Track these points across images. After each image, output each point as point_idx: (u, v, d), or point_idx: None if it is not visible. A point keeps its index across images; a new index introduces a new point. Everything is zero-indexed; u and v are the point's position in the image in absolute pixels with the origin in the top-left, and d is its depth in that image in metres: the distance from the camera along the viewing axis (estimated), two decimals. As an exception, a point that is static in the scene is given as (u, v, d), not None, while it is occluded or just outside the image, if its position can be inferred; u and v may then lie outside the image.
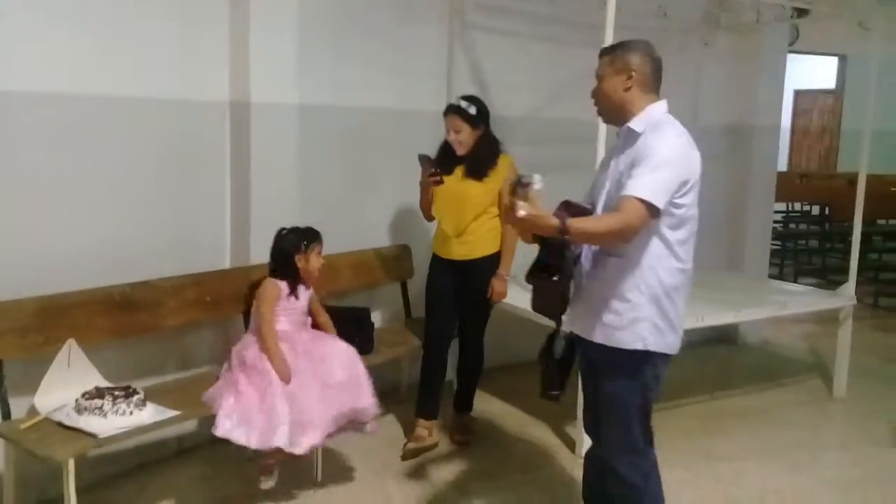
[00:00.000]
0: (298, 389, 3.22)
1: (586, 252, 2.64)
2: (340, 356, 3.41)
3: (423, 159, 3.64)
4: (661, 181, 2.41)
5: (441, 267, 3.95)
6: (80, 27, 3.30)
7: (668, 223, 2.48)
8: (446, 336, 4.02)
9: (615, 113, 2.61)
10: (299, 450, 3.18)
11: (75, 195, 3.34)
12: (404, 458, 3.84)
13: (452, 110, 3.74)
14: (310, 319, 3.60)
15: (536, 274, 2.58)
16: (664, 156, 2.44)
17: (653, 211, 2.39)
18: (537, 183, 2.35)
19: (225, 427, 3.14)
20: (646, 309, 2.51)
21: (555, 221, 2.35)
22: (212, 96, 3.82)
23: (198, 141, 3.80)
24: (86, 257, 3.35)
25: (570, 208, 2.51)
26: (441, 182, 3.66)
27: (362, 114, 4.38)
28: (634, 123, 2.54)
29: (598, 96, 2.63)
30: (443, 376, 4.06)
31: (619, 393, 2.61)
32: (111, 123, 3.44)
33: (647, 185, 2.40)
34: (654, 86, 2.59)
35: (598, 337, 2.60)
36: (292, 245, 3.45)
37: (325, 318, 3.64)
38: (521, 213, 2.31)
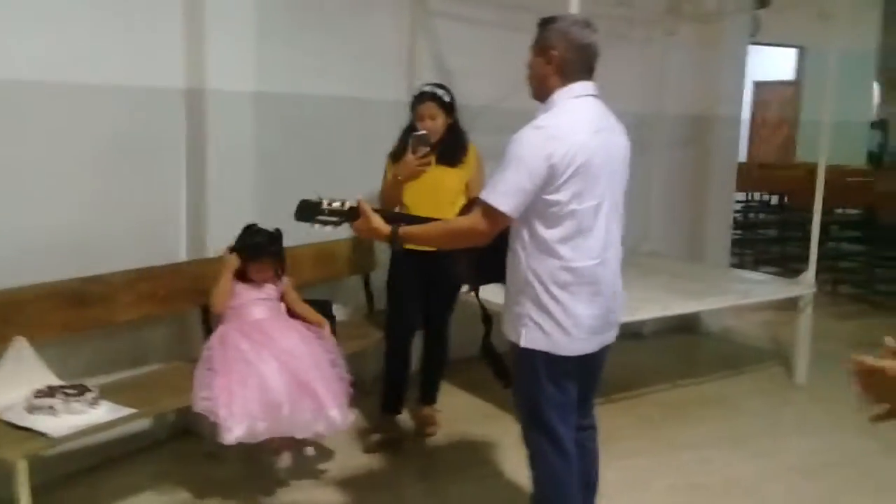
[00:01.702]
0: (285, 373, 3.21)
1: None
2: (309, 356, 3.35)
3: (421, 139, 3.54)
4: (507, 182, 2.35)
5: (405, 259, 3.87)
6: (29, 11, 3.18)
7: (540, 221, 2.40)
8: (410, 330, 3.96)
9: (538, 92, 2.54)
10: (300, 433, 3.21)
11: (23, 186, 3.23)
12: (367, 451, 3.79)
13: (428, 97, 3.68)
14: (283, 306, 3.56)
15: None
16: (510, 152, 2.37)
17: (498, 213, 2.35)
18: (344, 200, 2.59)
19: (232, 434, 3.06)
20: (526, 306, 2.47)
21: (385, 229, 2.52)
22: (167, 83, 3.70)
23: (152, 129, 3.69)
24: (35, 251, 3.24)
25: (469, 206, 2.60)
26: (429, 164, 3.59)
27: (322, 102, 4.30)
28: (539, 110, 2.48)
29: (529, 70, 2.58)
30: (407, 370, 4.02)
31: (516, 388, 2.63)
32: (61, 111, 3.33)
33: (491, 186, 2.38)
34: (576, 72, 2.45)
35: (503, 329, 2.61)
36: (236, 249, 3.44)
37: (301, 307, 3.60)
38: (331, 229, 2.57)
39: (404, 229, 2.53)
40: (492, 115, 4.79)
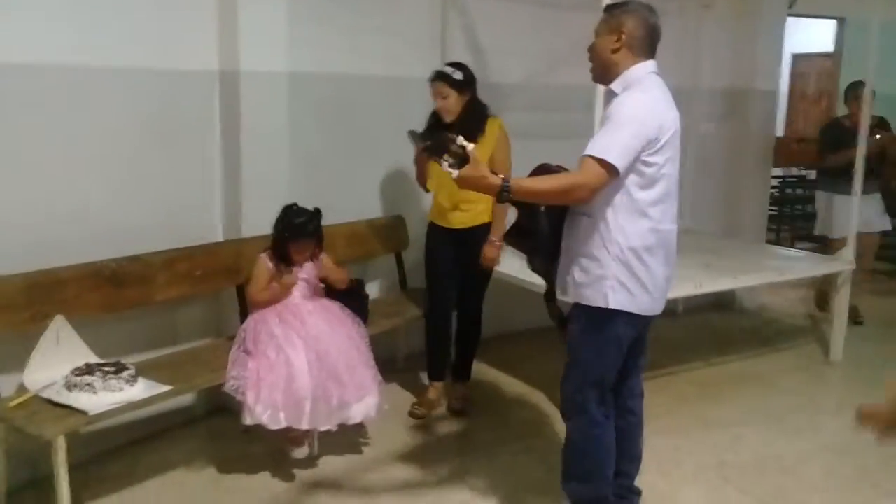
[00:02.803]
0: (315, 362, 3.25)
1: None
2: (341, 344, 3.39)
3: (413, 136, 3.55)
4: (618, 140, 2.44)
5: (440, 235, 3.91)
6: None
7: (638, 182, 2.51)
8: (449, 304, 4.02)
9: (603, 72, 2.64)
10: (322, 426, 3.26)
11: (62, 169, 3.27)
12: (413, 416, 3.97)
13: (438, 77, 3.70)
14: (322, 287, 3.61)
15: (513, 235, 2.84)
16: (625, 115, 2.48)
17: (609, 170, 2.42)
18: (465, 144, 2.41)
19: (255, 414, 3.15)
20: (612, 267, 2.55)
21: (495, 181, 2.42)
22: (200, 65, 3.73)
23: (187, 112, 3.72)
24: (74, 232, 3.29)
25: (540, 171, 2.65)
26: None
27: (354, 81, 4.29)
28: (615, 84, 2.59)
29: (592, 53, 2.67)
30: (449, 341, 4.10)
31: (580, 349, 2.70)
32: (97, 95, 3.36)
33: (602, 144, 2.44)
34: (644, 50, 2.60)
35: (570, 294, 2.69)
36: (278, 228, 3.46)
37: (336, 275, 3.63)
38: (454, 174, 2.40)
39: (516, 180, 2.48)
40: (524, 92, 4.77)
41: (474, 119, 3.72)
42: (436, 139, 2.53)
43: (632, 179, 2.50)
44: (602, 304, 2.58)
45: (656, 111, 2.50)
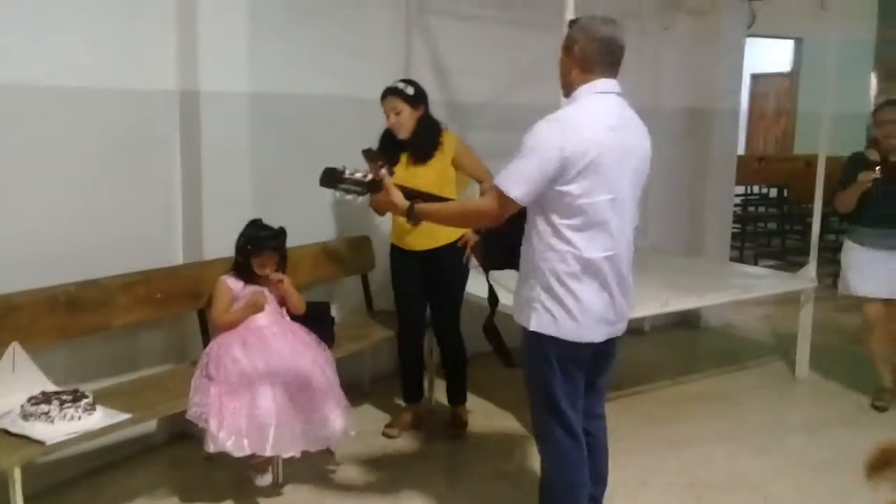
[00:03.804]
0: (279, 388, 3.19)
1: None
2: (305, 369, 3.33)
3: (368, 153, 3.51)
4: (518, 170, 2.43)
5: (402, 258, 3.86)
6: (19, 14, 3.13)
7: (556, 209, 2.46)
8: (418, 324, 4.00)
9: (564, 89, 2.62)
10: (286, 452, 3.19)
11: (16, 190, 3.19)
12: (386, 436, 3.95)
13: (390, 92, 3.68)
14: (284, 311, 3.54)
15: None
16: (527, 143, 2.44)
17: (508, 199, 2.42)
18: (364, 174, 2.65)
19: (218, 441, 3.07)
20: (536, 291, 2.53)
21: (403, 204, 2.62)
22: (159, 85, 3.67)
23: (146, 132, 3.65)
24: (29, 256, 3.19)
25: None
26: (392, 173, 3.55)
27: (317, 102, 4.25)
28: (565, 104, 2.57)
29: (559, 70, 2.64)
30: (422, 361, 4.10)
31: (526, 372, 2.67)
32: (53, 115, 3.28)
33: (505, 172, 2.45)
34: (595, 66, 2.50)
35: (514, 312, 2.67)
36: (240, 242, 3.42)
37: (295, 298, 3.55)
38: (358, 200, 2.69)
39: (421, 206, 2.62)
40: (489, 111, 4.77)
41: (428, 134, 3.70)
42: (324, 174, 2.67)
43: (549, 206, 2.46)
44: (530, 328, 2.56)
45: (565, 138, 2.37)
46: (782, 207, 9.75)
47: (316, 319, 3.65)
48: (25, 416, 2.85)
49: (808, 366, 4.96)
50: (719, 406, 4.52)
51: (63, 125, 3.33)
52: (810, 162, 5.23)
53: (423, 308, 3.96)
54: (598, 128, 2.43)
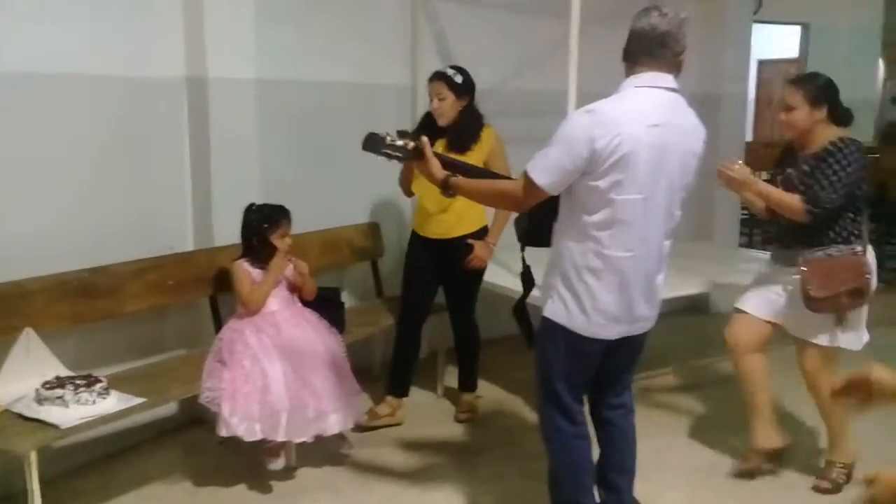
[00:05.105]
0: (291, 373, 3.21)
1: None
2: (317, 354, 3.35)
3: (401, 134, 3.51)
4: (549, 158, 2.38)
5: (419, 244, 3.88)
6: (26, 3, 3.14)
7: (582, 203, 2.41)
8: (420, 314, 3.97)
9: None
10: (298, 437, 3.21)
11: (27, 179, 3.20)
12: (356, 430, 3.70)
13: (438, 76, 3.66)
14: (296, 297, 3.55)
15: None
16: (560, 132, 2.40)
17: (536, 185, 2.39)
18: (405, 142, 2.64)
19: (231, 426, 3.10)
20: (556, 280, 2.54)
21: (440, 176, 2.59)
22: (167, 72, 3.67)
23: (155, 119, 3.66)
24: (41, 243, 3.22)
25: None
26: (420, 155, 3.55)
27: (324, 88, 4.26)
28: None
29: None
30: (415, 354, 4.02)
31: (537, 353, 2.67)
32: (64, 103, 3.30)
33: (535, 159, 2.42)
34: (638, 58, 2.44)
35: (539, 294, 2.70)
36: (253, 226, 3.41)
37: (310, 284, 3.56)
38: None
39: (455, 179, 2.60)
40: (497, 98, 4.76)
41: (469, 126, 3.67)
42: (368, 139, 2.65)
43: (577, 199, 2.42)
44: (545, 314, 2.58)
45: (596, 132, 2.29)
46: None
47: (326, 305, 3.67)
48: (40, 401, 2.88)
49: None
50: (730, 390, 4.51)
51: (73, 113, 3.34)
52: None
53: (429, 296, 3.95)
54: (636, 123, 2.34)
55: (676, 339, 5.44)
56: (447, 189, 2.60)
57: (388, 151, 2.63)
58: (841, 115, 3.19)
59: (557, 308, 2.53)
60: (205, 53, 3.67)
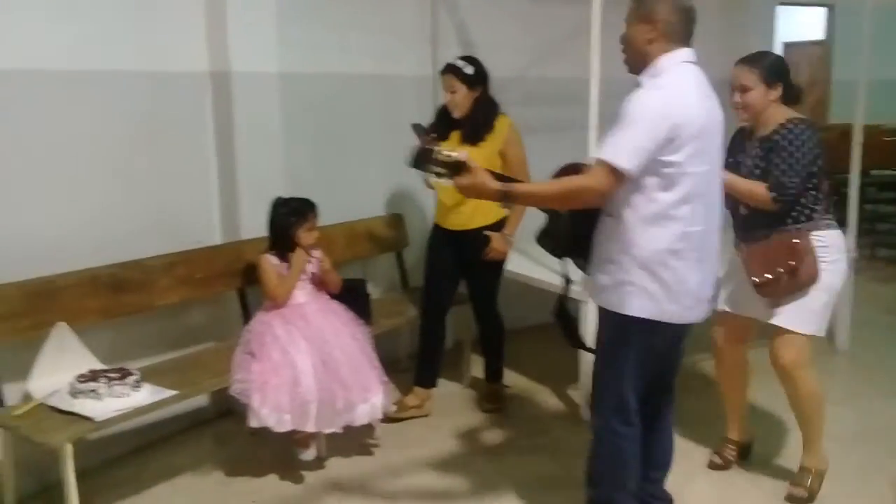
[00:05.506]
0: (320, 365, 3.24)
1: None
2: (345, 346, 3.39)
3: (417, 128, 3.51)
4: (628, 141, 2.30)
5: (440, 236, 3.89)
6: (51, 0, 3.18)
7: (657, 184, 2.35)
8: (441, 306, 3.98)
9: (637, 62, 2.48)
10: (328, 428, 3.24)
11: (55, 176, 3.24)
12: (384, 420, 3.72)
13: (448, 69, 3.65)
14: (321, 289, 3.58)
15: (541, 236, 2.69)
16: (633, 113, 2.32)
17: (619, 173, 2.30)
18: (450, 153, 2.39)
19: (261, 417, 3.13)
20: (634, 273, 2.42)
21: (494, 185, 2.38)
22: (191, 67, 3.70)
23: (179, 114, 3.69)
24: (71, 239, 3.26)
25: (567, 170, 2.51)
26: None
27: (346, 80, 4.27)
28: (643, 75, 2.45)
29: (624, 43, 2.52)
30: (440, 345, 4.04)
31: (603, 356, 2.59)
32: (89, 99, 3.33)
33: (612, 145, 2.33)
34: (680, 37, 2.43)
35: (595, 297, 2.59)
36: (280, 220, 3.43)
37: (333, 276, 3.58)
38: (448, 184, 2.42)
39: (517, 186, 2.45)
40: (518, 86, 4.75)
41: (482, 116, 3.66)
42: (417, 151, 2.46)
43: (651, 181, 2.35)
44: (622, 311, 2.46)
45: (672, 106, 2.31)
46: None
47: (353, 296, 3.69)
48: (74, 394, 2.93)
49: (848, 337, 4.89)
50: (757, 379, 4.46)
51: (99, 109, 3.37)
52: (846, 131, 5.13)
53: (450, 288, 3.95)
54: (696, 96, 2.39)
55: (700, 327, 5.34)
56: (506, 198, 2.44)
57: (436, 169, 2.41)
58: (793, 94, 3.15)
59: (641, 302, 2.43)
60: (228, 48, 3.69)
